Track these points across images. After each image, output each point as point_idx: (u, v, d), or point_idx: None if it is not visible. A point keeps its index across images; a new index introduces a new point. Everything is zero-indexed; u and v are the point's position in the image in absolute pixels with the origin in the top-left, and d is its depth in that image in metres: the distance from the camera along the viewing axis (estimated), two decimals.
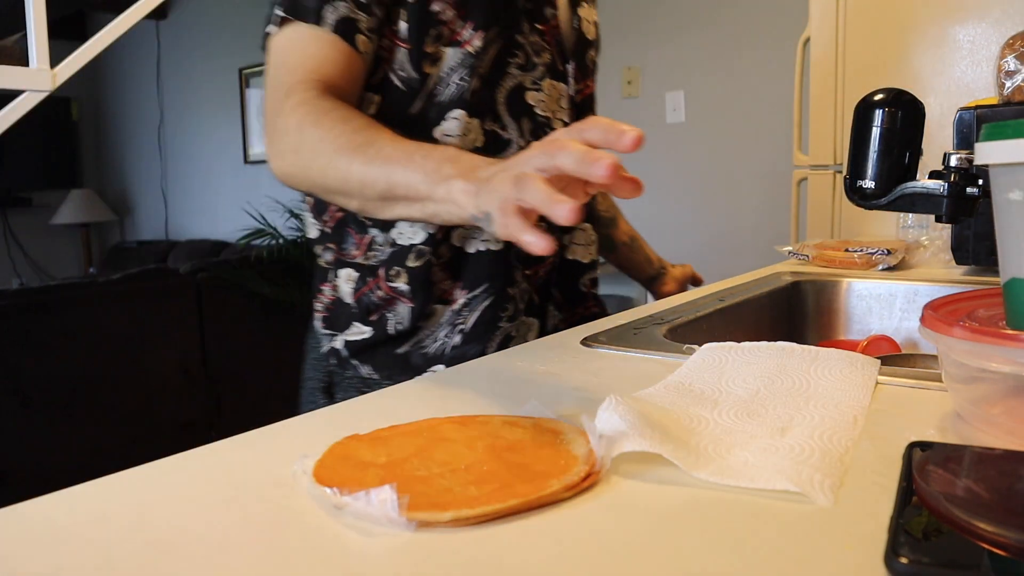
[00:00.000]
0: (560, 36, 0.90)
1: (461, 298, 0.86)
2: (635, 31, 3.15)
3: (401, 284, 0.85)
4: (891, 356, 0.98)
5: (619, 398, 0.48)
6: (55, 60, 1.11)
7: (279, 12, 0.79)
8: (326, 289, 0.91)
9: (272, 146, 0.78)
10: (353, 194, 0.72)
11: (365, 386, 0.87)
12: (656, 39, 3.11)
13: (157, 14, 5.07)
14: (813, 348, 0.63)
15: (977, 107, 1.17)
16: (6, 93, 1.04)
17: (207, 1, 4.88)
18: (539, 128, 0.88)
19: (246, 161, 4.78)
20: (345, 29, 0.77)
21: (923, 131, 0.85)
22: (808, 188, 2.05)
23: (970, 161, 0.79)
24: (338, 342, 0.89)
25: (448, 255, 0.85)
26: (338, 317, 0.89)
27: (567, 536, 0.35)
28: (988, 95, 1.40)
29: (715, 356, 0.63)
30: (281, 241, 3.76)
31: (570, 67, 0.92)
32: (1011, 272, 0.50)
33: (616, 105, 3.18)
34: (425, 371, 0.85)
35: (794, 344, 0.64)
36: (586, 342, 0.74)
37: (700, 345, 0.67)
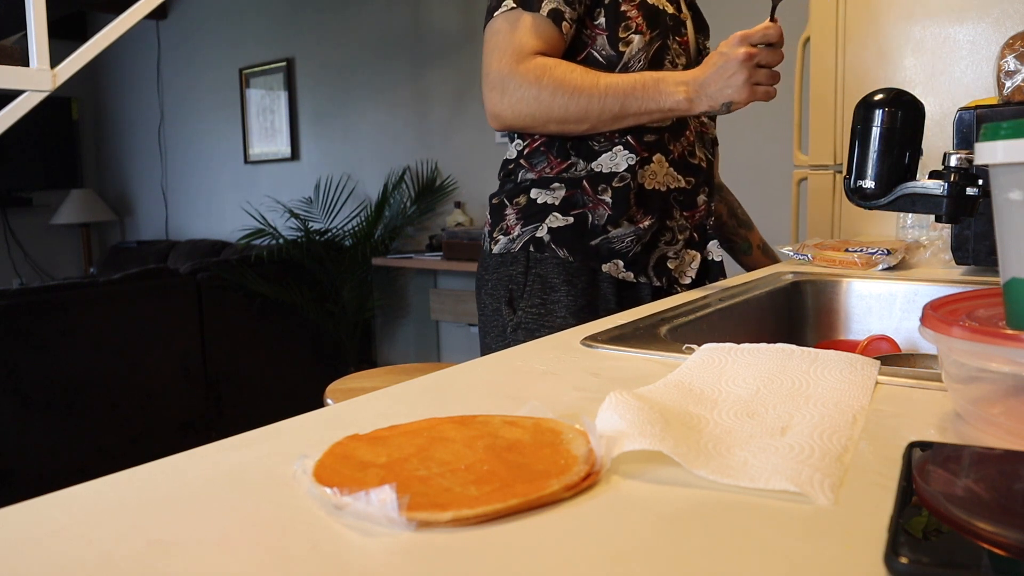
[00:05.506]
0: (689, 49, 1.24)
1: (645, 221, 1.15)
2: None
3: (607, 197, 1.14)
4: (891, 356, 0.98)
5: (620, 395, 0.48)
6: (55, 60, 1.11)
7: (510, 3, 1.10)
8: (521, 200, 1.18)
9: (505, 97, 1.09)
10: (589, 119, 1.08)
11: (553, 275, 1.14)
12: None
13: (157, 14, 5.07)
14: (813, 350, 0.63)
15: (977, 107, 1.18)
16: (6, 93, 1.04)
17: (207, 1, 4.88)
18: None
19: (246, 161, 4.77)
20: (555, 17, 1.09)
21: (923, 131, 0.85)
22: (808, 188, 2.05)
23: (970, 161, 0.79)
24: (541, 231, 1.15)
25: (636, 188, 1.14)
26: (534, 212, 1.16)
27: (567, 536, 0.35)
28: (988, 95, 1.40)
29: (715, 356, 0.63)
30: (281, 241, 3.76)
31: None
32: (1011, 272, 0.50)
33: None
34: (609, 261, 1.15)
35: (793, 346, 0.64)
36: (586, 342, 0.74)
37: (700, 345, 0.67)
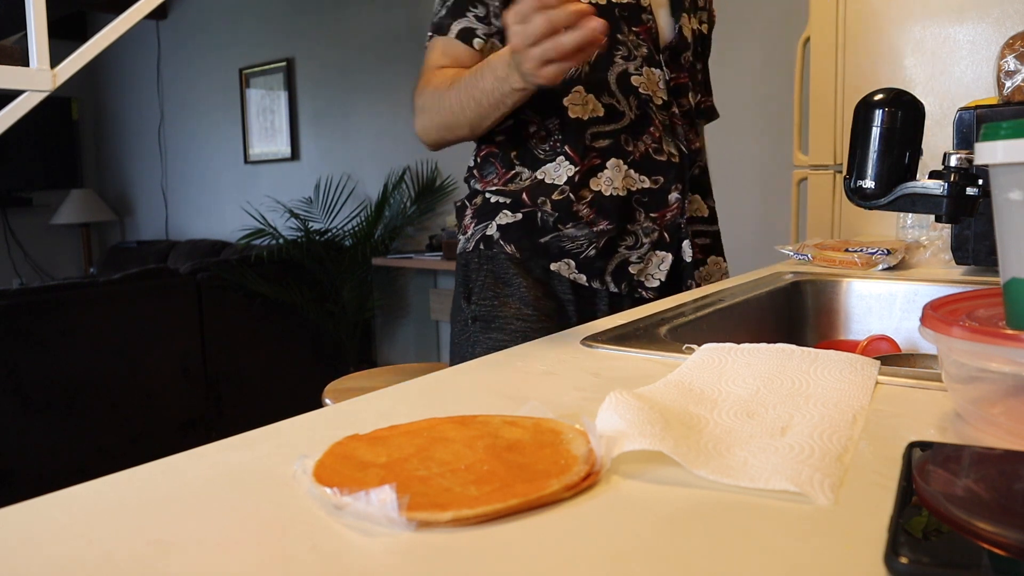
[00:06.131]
0: (655, 35, 1.14)
1: (602, 225, 1.10)
2: None
3: (547, 208, 1.10)
4: (891, 356, 0.98)
5: (620, 395, 0.48)
6: (55, 60, 1.11)
7: (429, 32, 1.12)
8: (478, 200, 1.17)
9: (415, 119, 1.11)
10: (463, 122, 1.04)
11: (504, 270, 1.12)
12: None
13: (157, 14, 5.07)
14: (813, 350, 0.63)
15: (977, 107, 1.17)
16: (6, 93, 1.04)
17: (207, 1, 4.88)
18: (643, 103, 1.12)
19: (246, 161, 4.78)
20: (465, 36, 1.09)
21: (923, 131, 0.85)
22: (808, 188, 2.05)
23: (970, 161, 0.79)
24: (490, 228, 1.14)
25: (589, 196, 1.10)
26: (488, 211, 1.15)
27: (567, 536, 0.35)
28: (988, 95, 1.40)
29: (715, 356, 0.63)
30: (281, 241, 3.76)
31: (662, 58, 1.15)
32: (1011, 272, 0.50)
33: None
34: (560, 260, 1.11)
35: (793, 346, 0.64)
36: (586, 342, 0.74)
37: (700, 345, 0.67)
